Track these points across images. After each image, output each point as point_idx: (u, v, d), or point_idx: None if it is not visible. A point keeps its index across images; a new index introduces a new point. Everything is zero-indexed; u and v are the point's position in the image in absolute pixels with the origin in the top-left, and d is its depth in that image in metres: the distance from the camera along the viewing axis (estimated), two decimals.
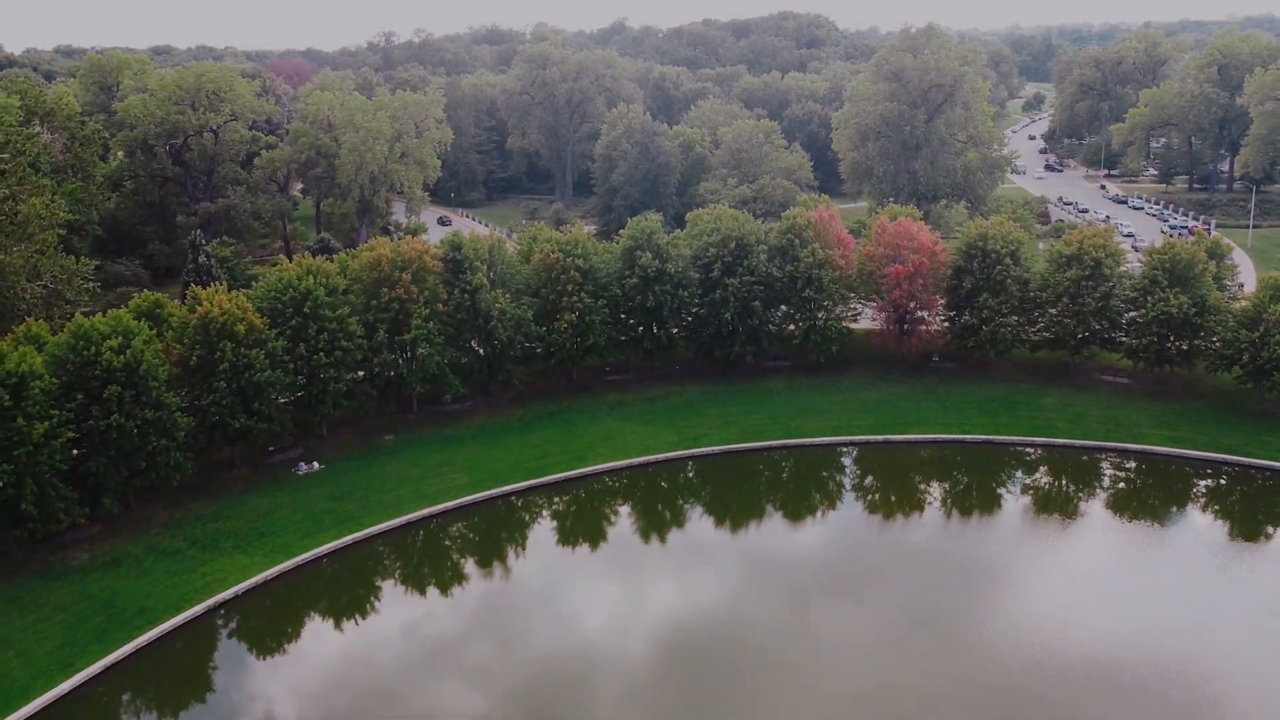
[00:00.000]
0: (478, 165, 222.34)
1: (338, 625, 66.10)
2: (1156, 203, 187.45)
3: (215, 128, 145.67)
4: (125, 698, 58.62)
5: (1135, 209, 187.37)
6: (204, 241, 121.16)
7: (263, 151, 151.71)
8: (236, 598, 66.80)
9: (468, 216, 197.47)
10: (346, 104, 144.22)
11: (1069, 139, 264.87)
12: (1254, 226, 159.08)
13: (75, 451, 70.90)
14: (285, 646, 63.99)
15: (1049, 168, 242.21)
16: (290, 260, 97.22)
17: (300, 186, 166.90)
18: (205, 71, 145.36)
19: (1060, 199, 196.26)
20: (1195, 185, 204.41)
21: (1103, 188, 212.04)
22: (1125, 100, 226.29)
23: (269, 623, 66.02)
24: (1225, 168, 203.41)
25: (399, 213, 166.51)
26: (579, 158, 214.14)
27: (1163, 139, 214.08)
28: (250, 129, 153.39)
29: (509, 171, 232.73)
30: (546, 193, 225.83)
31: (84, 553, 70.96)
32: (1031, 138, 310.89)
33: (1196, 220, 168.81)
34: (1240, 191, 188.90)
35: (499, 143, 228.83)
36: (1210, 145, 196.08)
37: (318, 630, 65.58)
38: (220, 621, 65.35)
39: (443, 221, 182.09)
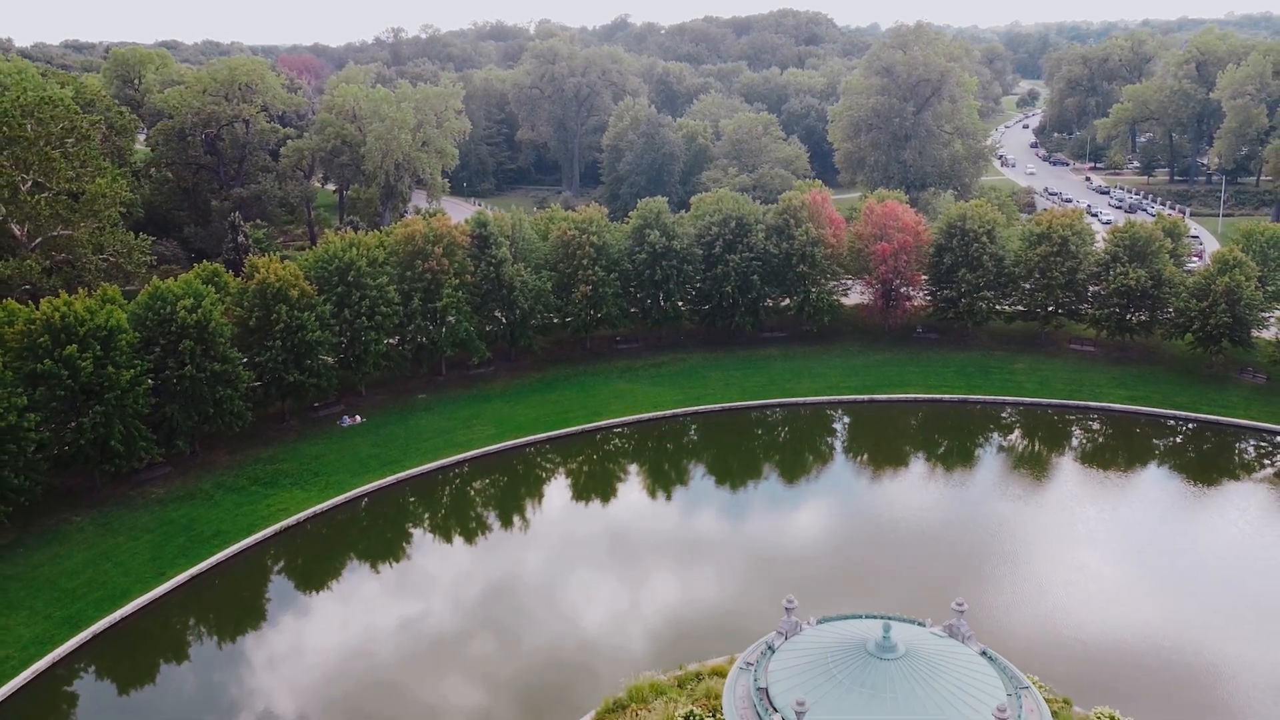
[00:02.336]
0: (488, 157, 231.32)
1: (386, 547, 75.61)
2: (1137, 193, 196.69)
3: (247, 118, 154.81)
4: (210, 601, 68.00)
5: (1130, 205, 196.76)
6: (241, 224, 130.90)
7: (288, 141, 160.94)
8: (298, 524, 76.26)
9: (479, 205, 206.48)
10: (371, 96, 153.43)
11: (1058, 134, 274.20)
12: (1224, 215, 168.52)
13: (153, 400, 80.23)
14: (342, 563, 73.40)
15: (1053, 162, 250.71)
16: (314, 244, 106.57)
17: (322, 174, 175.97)
18: (238, 65, 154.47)
19: (1046, 190, 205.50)
20: (1176, 177, 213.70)
21: (1087, 179, 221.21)
22: (1111, 96, 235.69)
23: (327, 543, 75.57)
24: (1205, 160, 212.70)
25: (417, 201, 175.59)
26: (586, 149, 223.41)
27: (1149, 133, 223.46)
28: (269, 122, 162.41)
29: (518, 163, 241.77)
30: (554, 183, 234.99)
31: (160, 488, 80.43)
32: (1025, 126, 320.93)
33: (1173, 209, 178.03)
34: (1217, 183, 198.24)
35: (508, 135, 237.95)
36: (1190, 139, 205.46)
37: (370, 550, 75.06)
38: (286, 542, 74.79)
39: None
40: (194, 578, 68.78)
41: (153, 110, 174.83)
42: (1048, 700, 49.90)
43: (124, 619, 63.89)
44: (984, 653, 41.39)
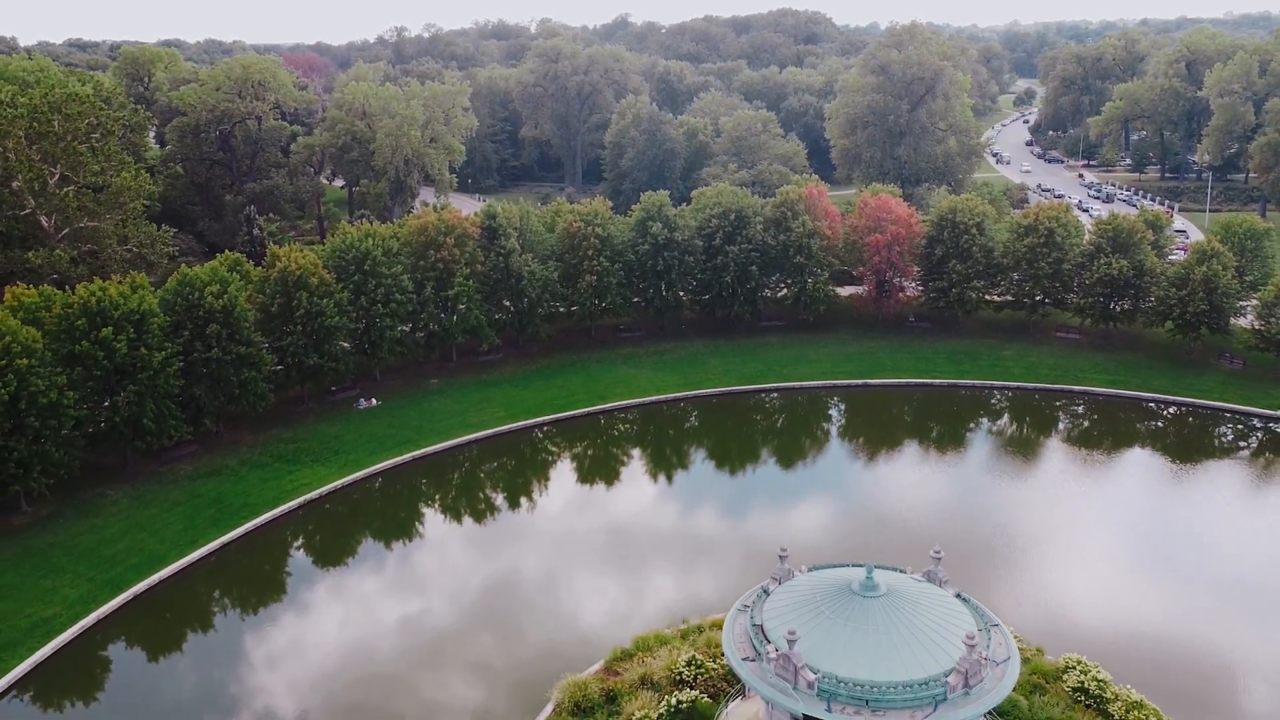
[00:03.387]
0: (492, 154, 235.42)
1: (404, 518, 79.97)
2: (1114, 185, 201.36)
3: (259, 115, 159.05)
4: (241, 566, 72.29)
5: (1122, 200, 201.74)
6: (257, 217, 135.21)
7: (296, 138, 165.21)
8: (320, 497, 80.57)
9: (484, 201, 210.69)
10: (381, 94, 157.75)
11: (1053, 132, 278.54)
12: (1212, 210, 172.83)
13: (182, 381, 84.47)
14: (363, 532, 77.72)
15: (1047, 159, 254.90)
16: (323, 238, 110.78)
17: (330, 170, 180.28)
18: (251, 63, 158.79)
19: (1039, 186, 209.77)
20: (1167, 174, 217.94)
21: (1080, 176, 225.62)
22: (1105, 95, 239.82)
23: (349, 515, 79.93)
24: (1195, 157, 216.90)
25: (424, 197, 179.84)
26: (588, 146, 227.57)
27: (1144, 131, 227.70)
28: (277, 119, 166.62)
29: (521, 160, 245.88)
30: (556, 180, 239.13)
31: (188, 465, 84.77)
32: (1026, 122, 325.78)
33: (1163, 205, 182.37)
34: (1207, 180, 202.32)
35: (512, 133, 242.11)
36: (1181, 137, 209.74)
37: (389, 521, 79.43)
38: (310, 514, 79.11)
39: None
40: (225, 545, 73.08)
41: (163, 108, 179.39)
42: (1021, 649, 54.35)
43: (162, 582, 68.19)
44: (959, 595, 45.70)
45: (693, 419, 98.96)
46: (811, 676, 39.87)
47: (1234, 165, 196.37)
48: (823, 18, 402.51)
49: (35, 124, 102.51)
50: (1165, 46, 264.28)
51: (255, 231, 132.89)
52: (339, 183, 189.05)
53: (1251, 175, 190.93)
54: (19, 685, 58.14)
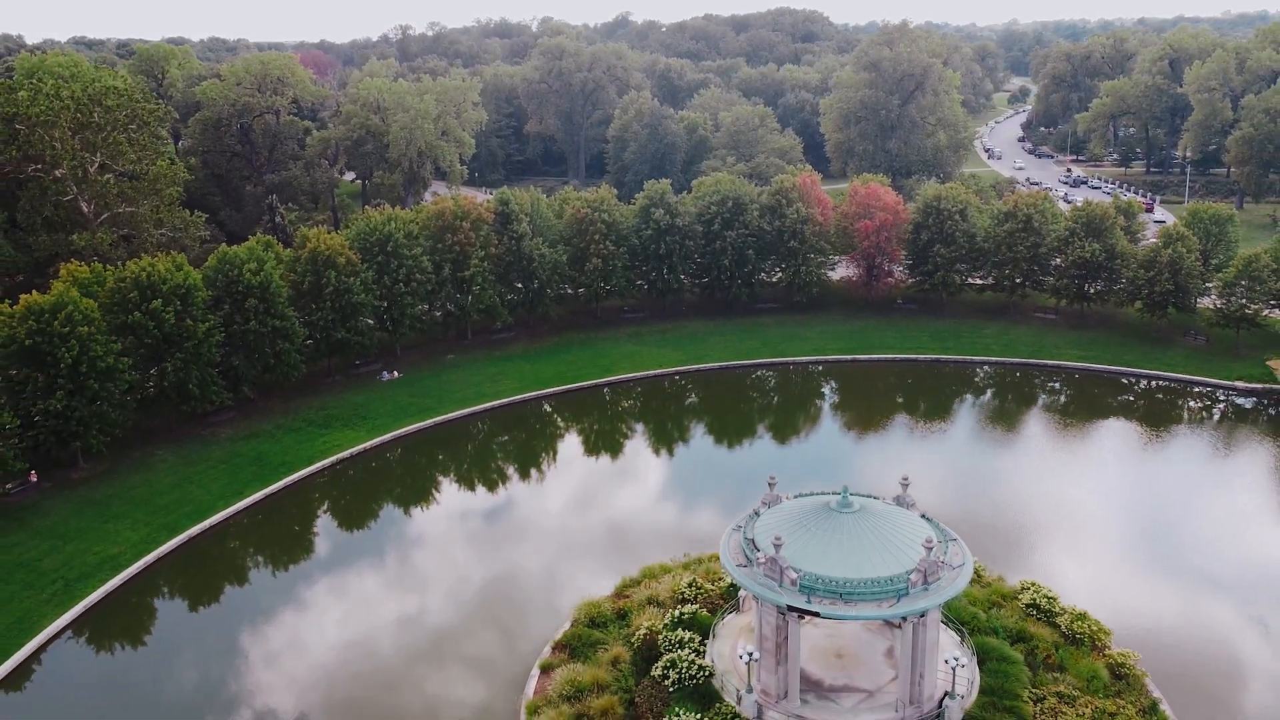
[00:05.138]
0: (498, 149, 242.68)
1: (429, 475, 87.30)
2: (1111, 182, 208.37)
3: (278, 109, 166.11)
4: (283, 513, 79.56)
5: (1093, 187, 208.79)
6: (279, 205, 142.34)
7: (311, 132, 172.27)
8: (351, 456, 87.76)
9: (490, 195, 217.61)
10: (395, 89, 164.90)
11: (1044, 128, 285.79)
12: (1192, 202, 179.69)
13: (222, 351, 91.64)
14: (392, 486, 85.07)
15: (1038, 155, 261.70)
16: (337, 228, 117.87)
17: (344, 163, 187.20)
18: (270, 60, 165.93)
19: (1028, 179, 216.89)
20: (1152, 168, 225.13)
21: (1068, 170, 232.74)
22: (1093, 92, 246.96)
23: (380, 470, 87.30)
24: (1179, 152, 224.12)
25: (434, 189, 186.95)
26: (591, 141, 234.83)
27: (1131, 128, 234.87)
28: (291, 115, 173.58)
29: (526, 154, 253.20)
30: (560, 174, 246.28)
31: (228, 429, 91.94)
32: (1020, 113, 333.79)
33: (1144, 197, 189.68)
34: (1192, 174, 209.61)
35: (517, 128, 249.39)
36: (1165, 132, 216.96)
37: (417, 476, 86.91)
38: (343, 471, 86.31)
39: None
40: (267, 497, 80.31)
41: (177, 104, 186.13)
42: (984, 576, 61.68)
43: (212, 526, 75.44)
44: (923, 515, 52.85)
45: (692, 391, 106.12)
46: (794, 575, 47.04)
47: (1215, 159, 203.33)
48: (820, 16, 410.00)
49: (79, 115, 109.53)
50: (1152, 45, 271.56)
51: (277, 219, 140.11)
52: (349, 176, 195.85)
53: (1232, 169, 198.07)
54: (93, 609, 65.33)
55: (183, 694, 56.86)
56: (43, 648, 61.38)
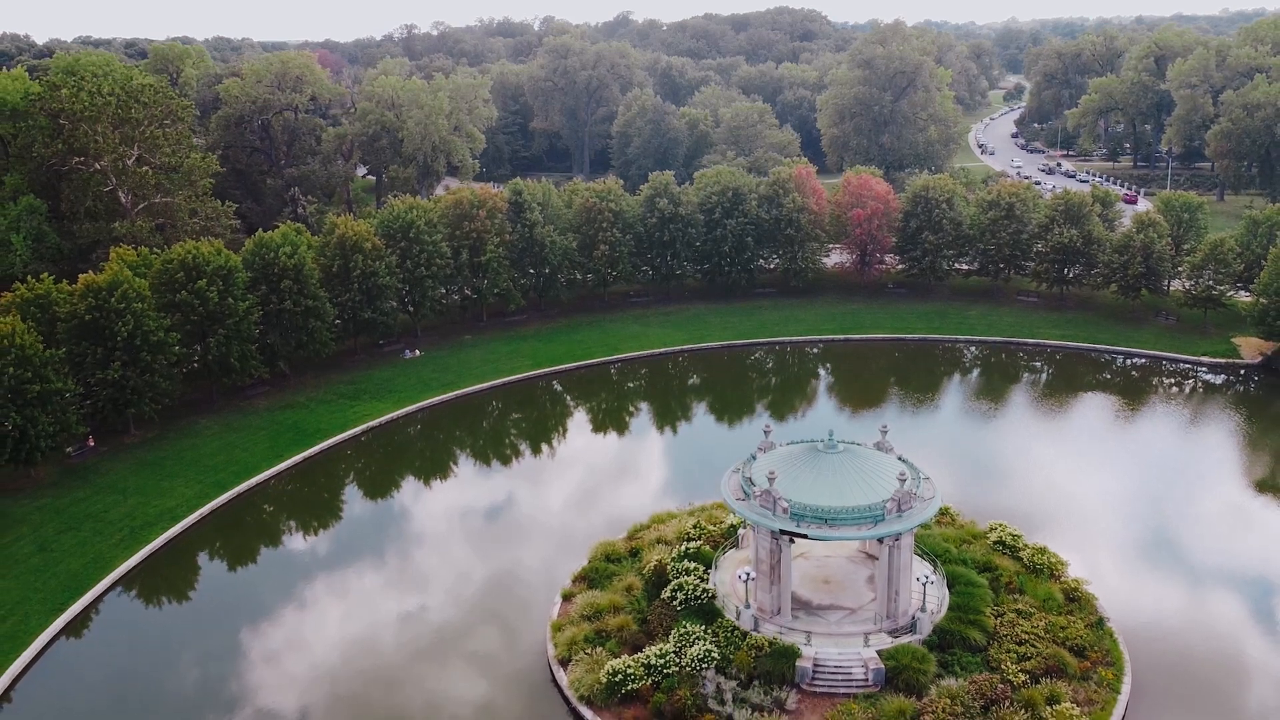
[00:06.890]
0: (504, 145, 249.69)
1: (455, 439, 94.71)
2: (1098, 177, 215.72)
3: (296, 106, 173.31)
4: (322, 472, 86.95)
5: (1068, 174, 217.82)
6: (301, 197, 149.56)
7: (329, 128, 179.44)
8: (380, 425, 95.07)
9: (497, 190, 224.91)
10: (409, 86, 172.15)
11: (1037, 124, 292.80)
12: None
13: (259, 328, 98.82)
14: (419, 450, 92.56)
15: (1029, 150, 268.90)
16: None
17: (359, 158, 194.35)
18: (290, 59, 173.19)
19: (1019, 173, 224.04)
20: (1139, 163, 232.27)
21: (1058, 164, 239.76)
22: (1083, 89, 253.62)
23: (408, 437, 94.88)
24: (1163, 146, 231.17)
25: (446, 183, 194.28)
26: (595, 137, 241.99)
27: (1119, 123, 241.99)
28: (305, 112, 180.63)
29: (531, 151, 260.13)
30: (565, 170, 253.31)
31: (264, 401, 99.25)
32: (1015, 108, 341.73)
33: (1130, 190, 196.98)
34: (1176, 168, 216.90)
35: (522, 125, 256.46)
36: (1151, 127, 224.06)
37: (443, 441, 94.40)
38: (374, 438, 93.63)
39: None
40: (306, 459, 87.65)
41: (194, 101, 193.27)
42: (957, 519, 68.91)
43: (259, 483, 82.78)
44: (900, 457, 60.10)
45: (695, 368, 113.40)
46: (786, 504, 54.31)
47: (1198, 154, 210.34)
48: (818, 15, 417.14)
49: (119, 111, 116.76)
50: (1141, 42, 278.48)
51: (299, 210, 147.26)
52: (361, 171, 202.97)
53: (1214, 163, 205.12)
54: (156, 554, 72.60)
55: (255, 621, 64.16)
56: (113, 584, 68.67)
